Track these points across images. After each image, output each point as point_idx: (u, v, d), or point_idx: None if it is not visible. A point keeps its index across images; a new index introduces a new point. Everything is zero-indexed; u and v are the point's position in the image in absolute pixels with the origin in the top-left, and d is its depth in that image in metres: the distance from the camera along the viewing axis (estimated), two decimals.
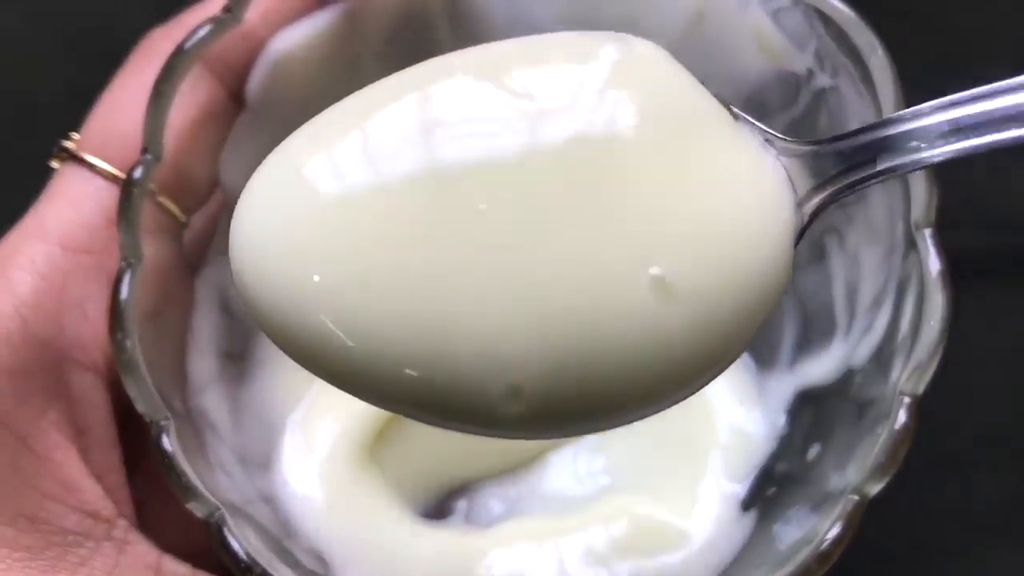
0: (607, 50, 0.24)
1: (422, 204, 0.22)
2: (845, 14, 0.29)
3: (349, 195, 0.23)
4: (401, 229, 0.22)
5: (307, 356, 0.24)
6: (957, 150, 0.24)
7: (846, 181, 0.25)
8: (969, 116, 0.24)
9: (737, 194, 0.23)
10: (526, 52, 0.25)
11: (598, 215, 0.22)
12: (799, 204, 0.25)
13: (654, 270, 0.22)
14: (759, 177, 0.24)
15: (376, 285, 0.22)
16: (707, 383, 0.24)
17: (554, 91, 0.23)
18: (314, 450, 0.33)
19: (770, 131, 0.25)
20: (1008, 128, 0.24)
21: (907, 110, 0.25)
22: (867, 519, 0.39)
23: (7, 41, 0.46)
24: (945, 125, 0.24)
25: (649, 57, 0.25)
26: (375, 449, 0.33)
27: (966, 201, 0.42)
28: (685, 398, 0.24)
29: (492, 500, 0.34)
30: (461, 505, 0.34)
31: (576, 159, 0.23)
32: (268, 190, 0.24)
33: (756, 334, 0.24)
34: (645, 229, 0.22)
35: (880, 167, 0.25)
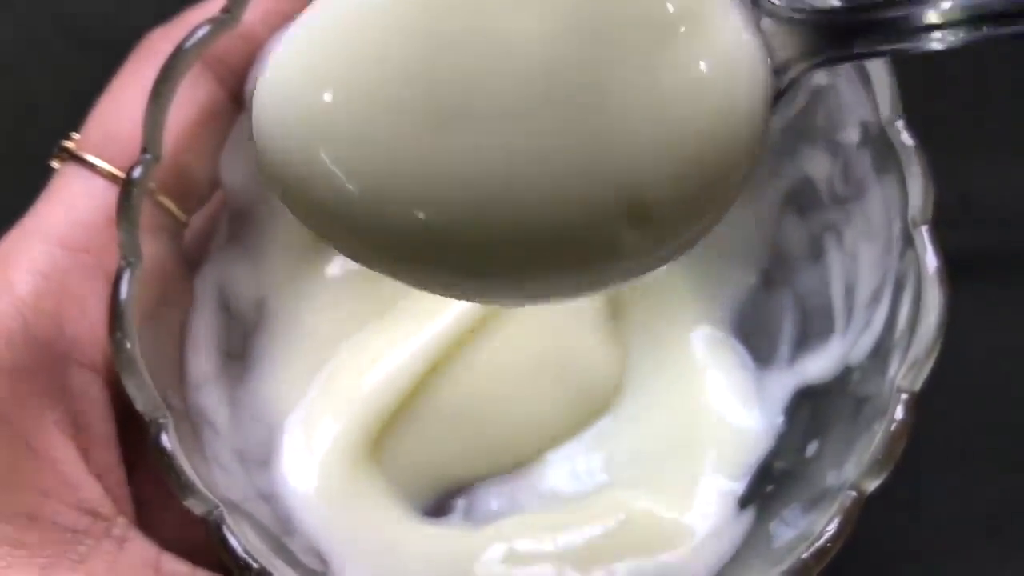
0: None
1: (418, 77, 0.23)
2: None
3: (356, 69, 0.23)
4: (402, 107, 0.23)
5: (316, 214, 0.24)
6: (940, 40, 0.24)
7: (828, 55, 0.25)
8: (963, 6, 0.23)
9: (709, 74, 0.24)
10: None
11: (577, 100, 0.23)
12: (781, 70, 0.25)
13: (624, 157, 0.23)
14: (735, 54, 0.24)
15: (380, 150, 0.23)
16: (676, 255, 0.25)
17: None
18: (313, 449, 0.33)
19: None
20: (1014, 23, 0.23)
21: None
22: (865, 518, 0.39)
23: (9, 41, 0.46)
24: (935, 16, 0.24)
25: None
26: (374, 449, 0.33)
27: (964, 200, 0.42)
28: (656, 267, 0.25)
29: (491, 498, 0.34)
30: (460, 503, 0.34)
31: (560, 47, 0.23)
32: (289, 57, 0.24)
33: (728, 204, 0.25)
34: (619, 104, 0.23)
35: (861, 49, 0.25)
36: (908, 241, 0.29)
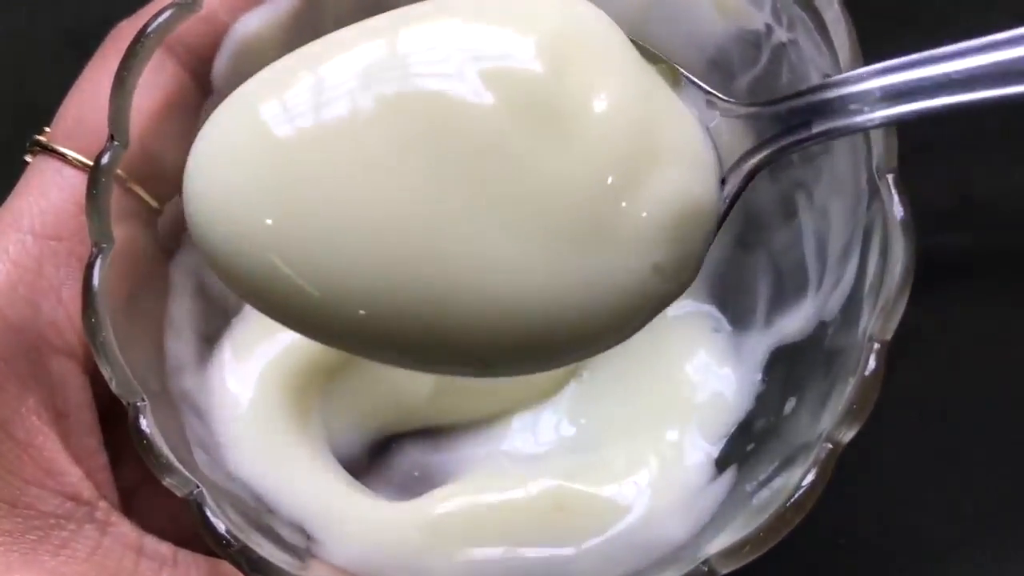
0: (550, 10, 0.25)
1: (358, 150, 0.24)
2: None
3: (294, 141, 0.24)
4: (343, 175, 0.24)
5: (261, 298, 0.26)
6: (890, 116, 0.25)
7: (784, 143, 0.26)
8: (903, 82, 0.25)
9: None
10: (473, 9, 0.26)
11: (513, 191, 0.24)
12: (739, 162, 0.26)
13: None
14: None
15: (321, 226, 0.24)
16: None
17: (489, 47, 0.25)
18: (251, 424, 0.33)
19: (713, 92, 0.26)
20: (940, 95, 0.25)
21: (844, 75, 0.26)
22: (865, 516, 0.39)
23: (13, 42, 0.47)
24: (879, 91, 0.25)
25: (589, 19, 0.26)
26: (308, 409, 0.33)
27: (964, 200, 0.42)
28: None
29: (463, 448, 0.34)
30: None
31: (503, 116, 0.24)
32: (219, 137, 0.25)
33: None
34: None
35: (815, 130, 0.26)
36: (875, 192, 0.29)
